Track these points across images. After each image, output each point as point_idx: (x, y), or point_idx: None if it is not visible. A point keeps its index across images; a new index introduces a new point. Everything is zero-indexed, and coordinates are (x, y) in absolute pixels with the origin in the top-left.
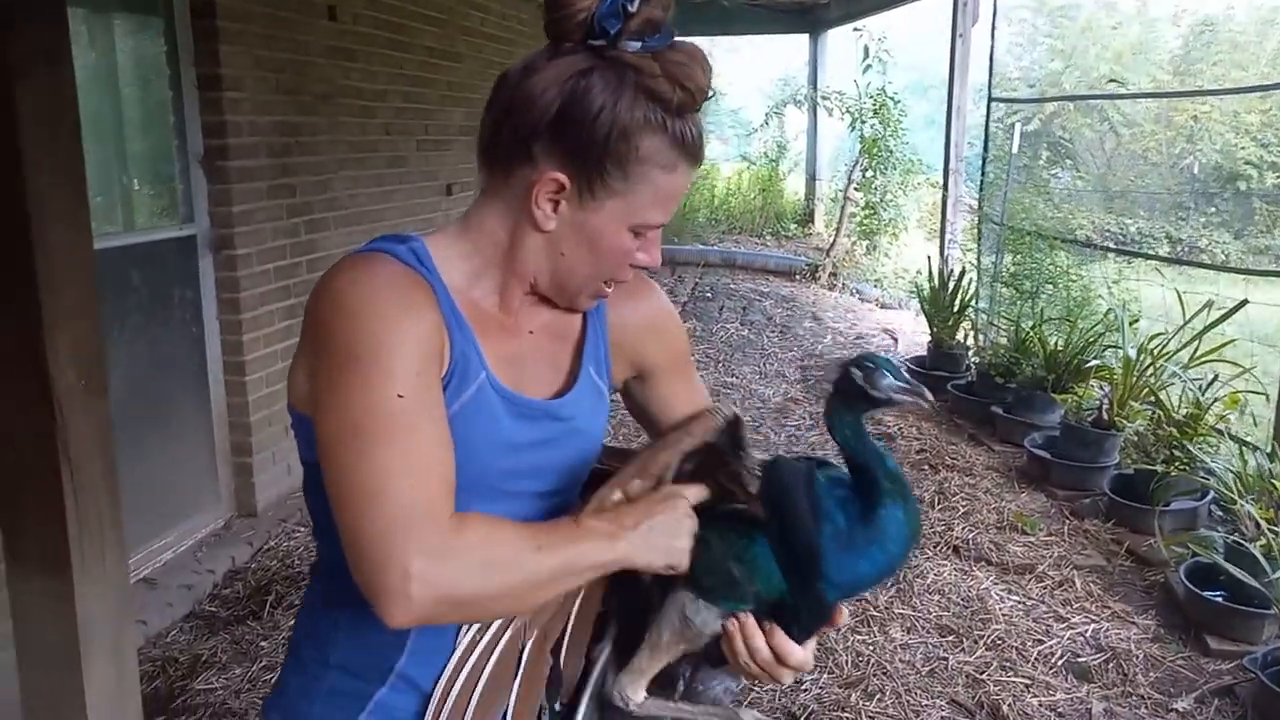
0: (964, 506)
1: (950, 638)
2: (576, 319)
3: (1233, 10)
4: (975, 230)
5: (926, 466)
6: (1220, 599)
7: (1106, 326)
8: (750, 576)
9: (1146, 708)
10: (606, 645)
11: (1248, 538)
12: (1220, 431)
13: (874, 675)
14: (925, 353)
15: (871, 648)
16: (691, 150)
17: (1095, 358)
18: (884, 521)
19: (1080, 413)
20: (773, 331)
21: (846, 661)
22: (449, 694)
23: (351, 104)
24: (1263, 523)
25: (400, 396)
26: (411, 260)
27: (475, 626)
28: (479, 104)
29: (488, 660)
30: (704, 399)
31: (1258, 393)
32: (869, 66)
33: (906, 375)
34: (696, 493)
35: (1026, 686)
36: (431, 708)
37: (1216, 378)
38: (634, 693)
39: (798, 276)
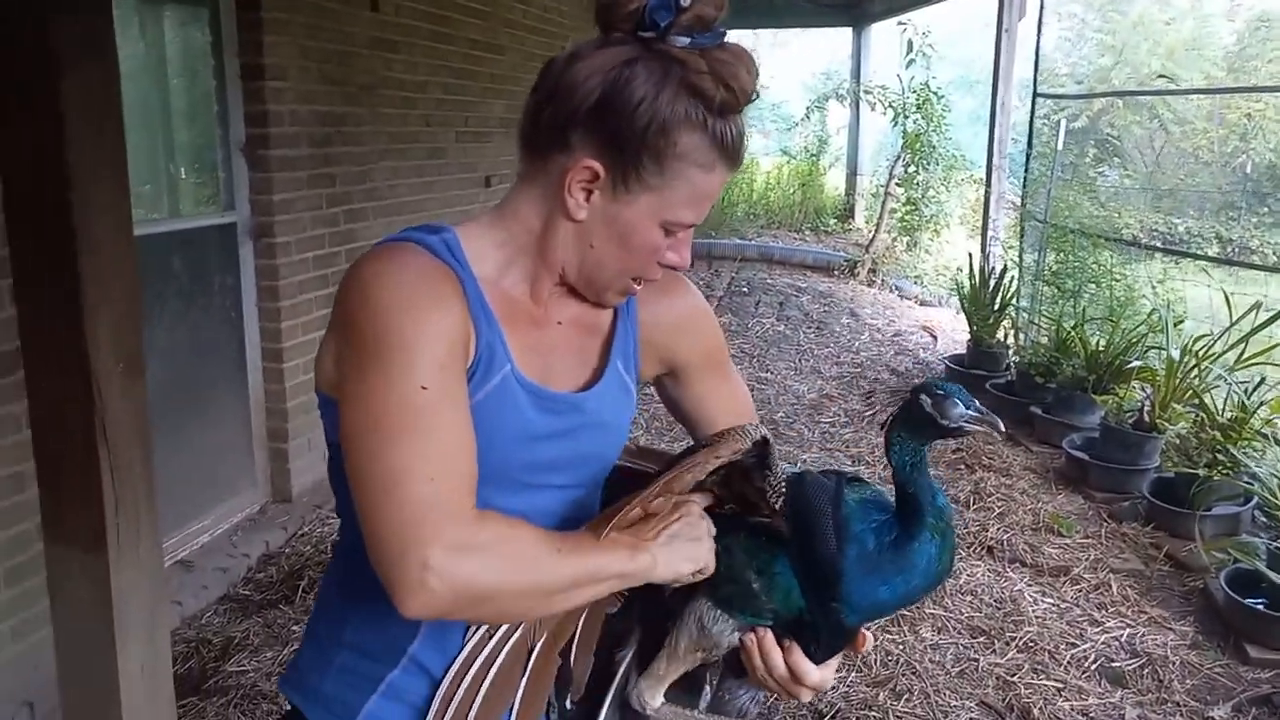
0: (999, 507)
1: (981, 639)
2: (607, 313)
3: None
4: (1018, 228)
5: (963, 466)
6: (1261, 606)
7: (1150, 327)
8: (769, 591)
9: (1182, 715)
10: (631, 649)
11: None
12: (1266, 436)
13: (903, 674)
14: (964, 351)
15: (901, 647)
16: (730, 152)
17: (1137, 359)
18: (915, 554)
19: (1121, 414)
20: (809, 328)
21: (875, 660)
22: (458, 686)
23: (393, 95)
24: None
25: (424, 389)
26: (442, 251)
27: (485, 625)
28: (520, 96)
29: (497, 656)
30: (742, 397)
31: None
32: (912, 61)
33: (978, 403)
34: (703, 499)
35: (1058, 690)
36: (438, 700)
37: (1264, 380)
38: (652, 698)
39: (836, 272)
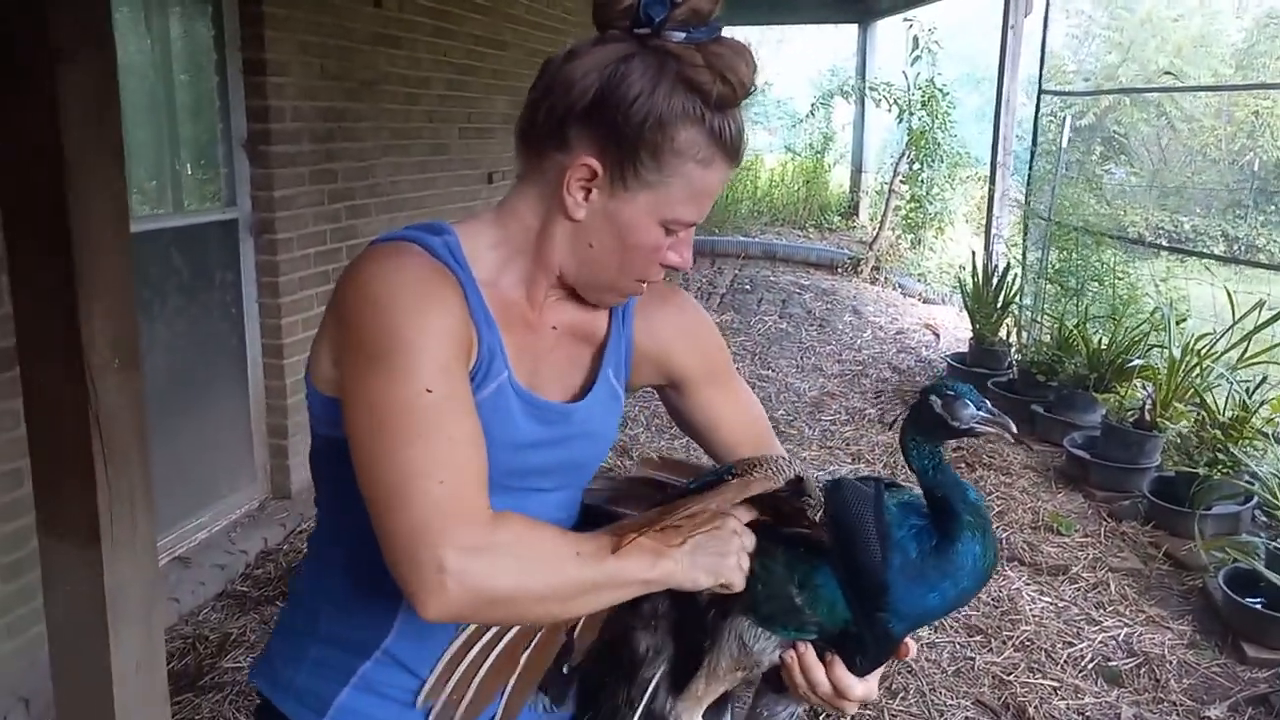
0: (999, 506)
1: (978, 637)
2: (602, 321)
3: None
4: (1021, 225)
5: (963, 465)
6: (1260, 606)
7: (1152, 325)
8: (813, 605)
9: (1178, 714)
10: (663, 664)
11: None
12: (1267, 435)
13: (898, 673)
14: (966, 349)
15: None
16: (729, 147)
17: (1140, 357)
18: (960, 556)
19: (1122, 413)
20: (811, 325)
21: None
22: (465, 654)
23: (395, 91)
24: None
25: (428, 391)
26: (443, 254)
27: None
28: (523, 92)
29: (506, 631)
30: (746, 408)
31: None
32: (918, 58)
33: (989, 404)
34: (746, 513)
35: (1054, 689)
36: (441, 664)
37: (1265, 379)
38: (690, 719)
39: (839, 270)
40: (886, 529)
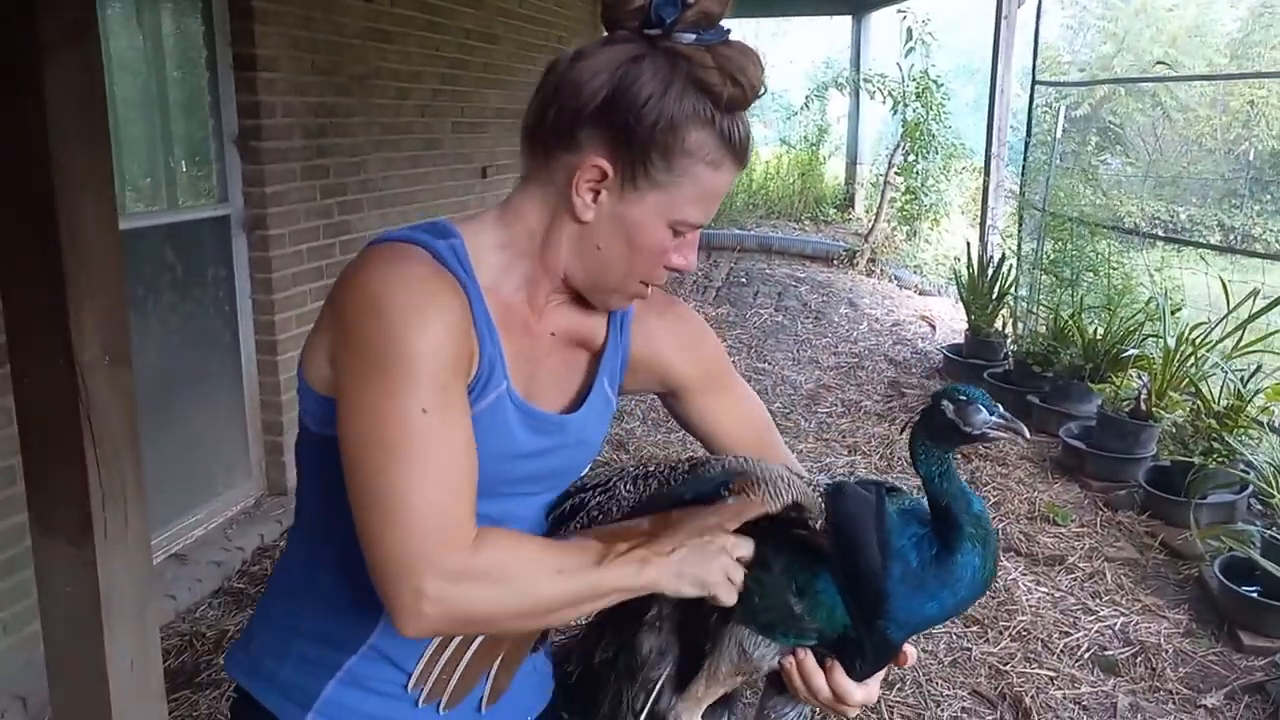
0: (995, 496)
1: (974, 628)
2: (601, 328)
3: None
4: (1016, 216)
5: (958, 456)
6: (1255, 594)
7: (1147, 315)
8: (812, 612)
9: (1174, 703)
10: (666, 668)
11: None
12: (1262, 423)
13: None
14: (962, 341)
15: None
16: (738, 150)
17: (1135, 347)
18: (959, 566)
19: (1117, 403)
20: (807, 317)
21: None
22: (445, 647)
23: (387, 85)
24: None
25: (424, 411)
26: (449, 259)
27: None
28: (516, 86)
29: None
30: (747, 413)
31: None
32: (912, 49)
33: (1001, 409)
34: (743, 545)
35: (1051, 679)
36: (423, 660)
37: (1260, 368)
38: (690, 718)
39: (835, 262)
40: (887, 537)
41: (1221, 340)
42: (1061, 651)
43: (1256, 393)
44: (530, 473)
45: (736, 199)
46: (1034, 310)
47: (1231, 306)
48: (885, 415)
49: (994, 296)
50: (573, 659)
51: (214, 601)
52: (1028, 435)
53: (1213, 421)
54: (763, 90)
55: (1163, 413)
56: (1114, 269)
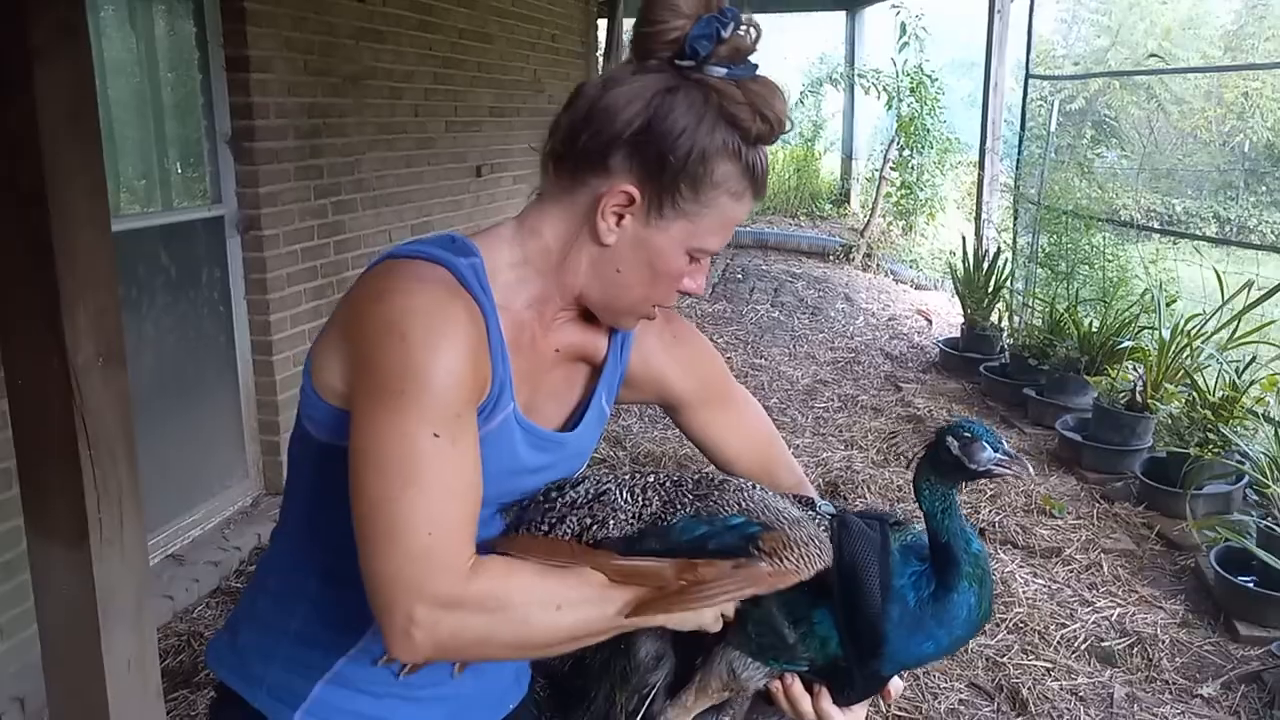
0: (991, 489)
1: None
2: (602, 343)
3: None
4: (1012, 210)
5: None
6: (1251, 584)
7: (1143, 307)
8: (805, 642)
9: (1170, 693)
10: (663, 673)
11: None
12: (1257, 414)
13: None
14: (959, 334)
15: None
16: (759, 182)
17: (1130, 339)
18: (955, 606)
19: (1113, 395)
20: (803, 313)
21: None
22: None
23: (380, 85)
24: None
25: (436, 436)
26: (470, 280)
27: None
28: (509, 85)
29: None
30: (749, 426)
31: None
32: (906, 44)
33: (1005, 445)
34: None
35: (1048, 670)
36: None
37: (1255, 359)
38: None
39: (831, 257)
40: (889, 578)
41: (1217, 332)
42: (1058, 643)
43: (1252, 383)
44: (529, 487)
45: None
46: (1030, 303)
47: (1226, 298)
48: (882, 410)
49: (990, 290)
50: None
51: (211, 602)
52: (1031, 472)
53: (1208, 413)
54: (790, 125)
55: (1158, 404)
56: (1109, 262)
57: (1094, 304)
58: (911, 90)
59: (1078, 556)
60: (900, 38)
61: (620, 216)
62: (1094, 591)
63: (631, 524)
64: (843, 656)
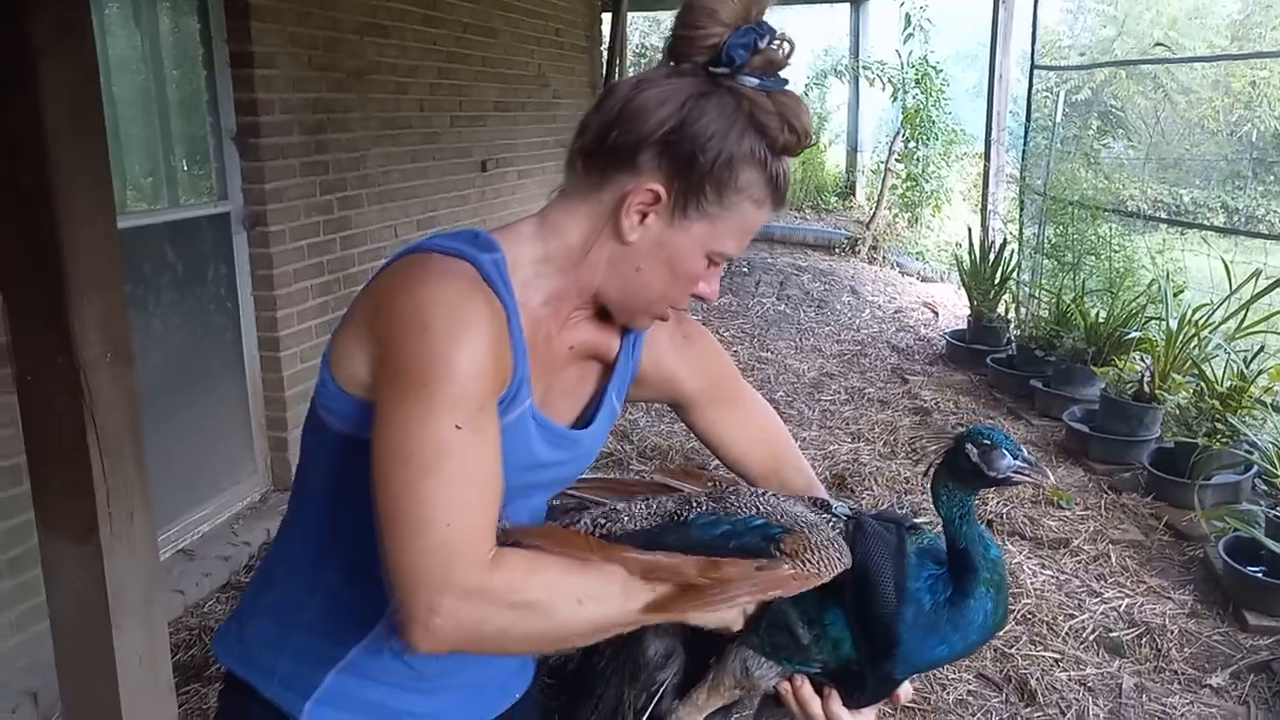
0: None
1: None
2: (614, 342)
3: None
4: (1018, 201)
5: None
6: (1260, 574)
7: (1149, 298)
8: (819, 643)
9: (1179, 683)
10: (672, 671)
11: None
12: (1265, 404)
13: None
14: (965, 326)
15: None
16: (780, 192)
17: (1137, 330)
18: (971, 611)
19: (1121, 386)
20: (809, 306)
21: None
22: None
23: (385, 80)
24: None
25: (458, 428)
26: (493, 276)
27: None
28: (514, 80)
29: None
30: (757, 425)
31: None
32: (910, 36)
33: (1025, 452)
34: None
35: (1056, 661)
36: None
37: (1263, 348)
38: None
39: (837, 250)
40: (904, 580)
41: (1224, 321)
42: (1066, 634)
43: (1260, 373)
44: (541, 482)
45: None
46: (1036, 295)
47: (1234, 287)
48: (889, 402)
49: (996, 282)
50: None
51: (221, 596)
52: (1051, 480)
53: (1216, 403)
54: (813, 140)
55: (1166, 395)
56: (1116, 252)
57: (1101, 295)
58: (916, 82)
59: (1086, 547)
60: (905, 29)
61: (644, 215)
62: (1102, 582)
63: (648, 519)
64: (855, 659)
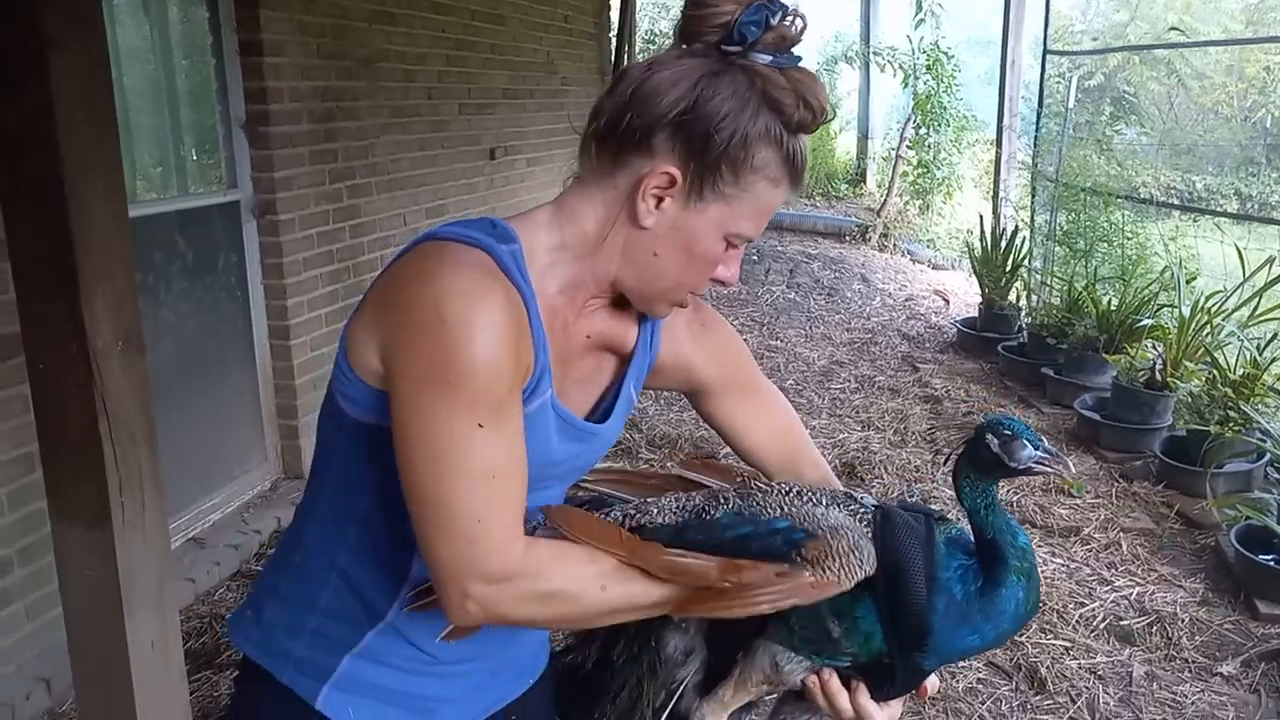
0: None
1: None
2: (632, 332)
3: None
4: (1029, 188)
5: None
6: (1272, 563)
7: (1162, 285)
8: (849, 637)
9: (1190, 671)
10: (693, 669)
11: None
12: (1278, 391)
13: None
14: (976, 314)
15: None
16: (797, 171)
17: (1149, 317)
18: (1003, 600)
19: (1132, 373)
20: (819, 294)
21: None
22: None
23: (394, 68)
24: None
25: (481, 426)
26: (511, 268)
27: None
28: (522, 66)
29: None
30: (771, 419)
31: None
32: (922, 21)
33: (1046, 443)
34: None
35: (1066, 649)
36: None
37: (1276, 336)
38: None
39: (847, 238)
40: (934, 570)
41: (1237, 309)
42: (1077, 622)
43: (1273, 360)
44: (559, 473)
45: None
46: (1048, 282)
47: (1248, 275)
48: (899, 390)
49: (1007, 269)
50: (590, 647)
51: (232, 584)
52: (1072, 470)
53: (1228, 390)
54: (831, 115)
55: (1178, 382)
56: (1128, 239)
57: (1113, 282)
58: (928, 68)
59: (1097, 535)
60: (916, 14)
61: (660, 199)
62: (1113, 570)
63: (675, 514)
64: (886, 652)
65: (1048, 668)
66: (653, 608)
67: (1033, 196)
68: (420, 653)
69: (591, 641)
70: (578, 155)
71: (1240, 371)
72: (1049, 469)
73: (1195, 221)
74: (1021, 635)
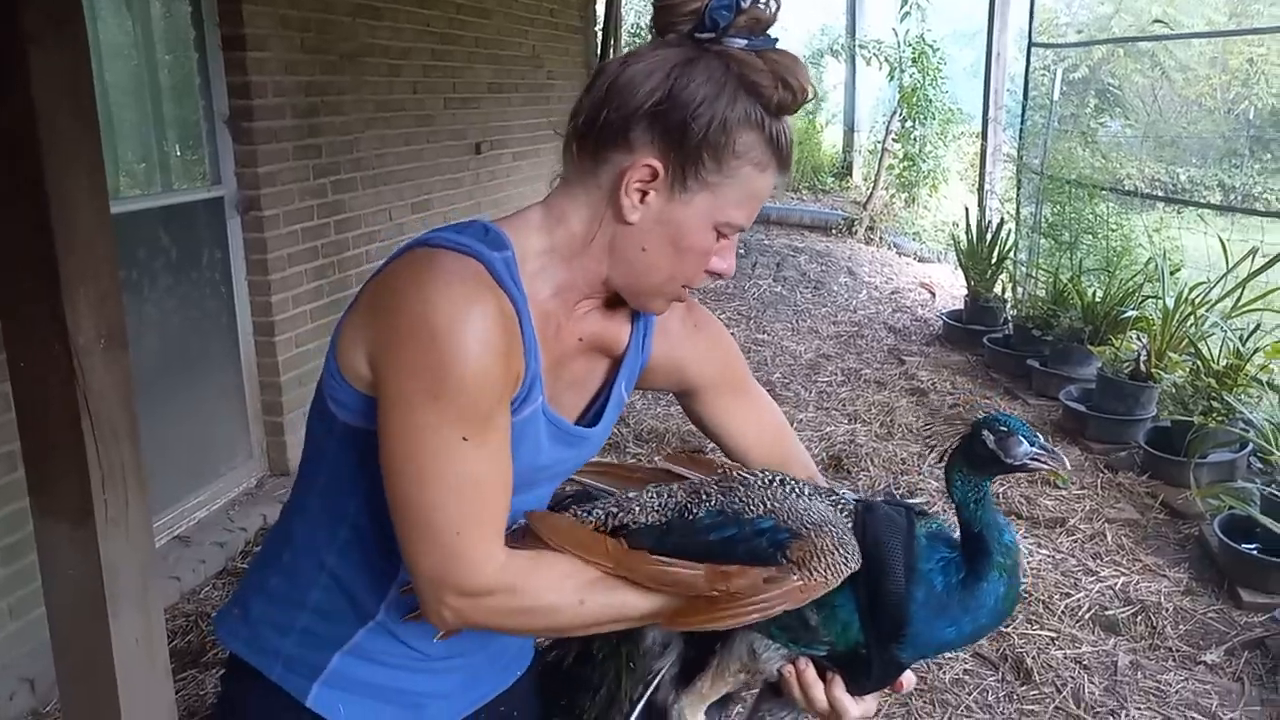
0: None
1: None
2: (624, 333)
3: None
4: (1015, 180)
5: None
6: (1255, 551)
7: (1146, 276)
8: (827, 625)
9: (1174, 660)
10: (669, 661)
11: None
12: (1261, 382)
13: None
14: (962, 307)
15: None
16: (783, 154)
17: (1134, 308)
18: (984, 594)
19: (1117, 365)
20: (806, 287)
21: None
22: None
23: (378, 63)
24: None
25: (465, 440)
26: (503, 276)
27: None
28: (508, 60)
29: None
30: (759, 420)
31: None
32: (907, 14)
33: (1042, 439)
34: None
35: (1052, 639)
36: None
37: (1259, 326)
38: (693, 714)
39: (834, 231)
40: (914, 561)
41: (1221, 300)
42: (1063, 612)
43: (1256, 351)
44: (547, 477)
45: None
46: (1033, 274)
47: (1230, 266)
48: (885, 383)
49: (993, 261)
50: (571, 641)
51: (218, 582)
52: (1068, 467)
53: (1212, 381)
54: (811, 95)
55: (1162, 373)
56: (1113, 231)
57: (1097, 274)
58: (913, 61)
59: (1082, 526)
60: (901, 8)
61: (644, 193)
62: (1098, 561)
63: (659, 512)
64: (863, 643)
65: (1033, 658)
66: (642, 620)
67: (1018, 189)
68: (411, 650)
69: (573, 637)
70: (561, 155)
71: (1224, 362)
72: (1045, 466)
73: (1179, 213)
74: (1007, 626)
